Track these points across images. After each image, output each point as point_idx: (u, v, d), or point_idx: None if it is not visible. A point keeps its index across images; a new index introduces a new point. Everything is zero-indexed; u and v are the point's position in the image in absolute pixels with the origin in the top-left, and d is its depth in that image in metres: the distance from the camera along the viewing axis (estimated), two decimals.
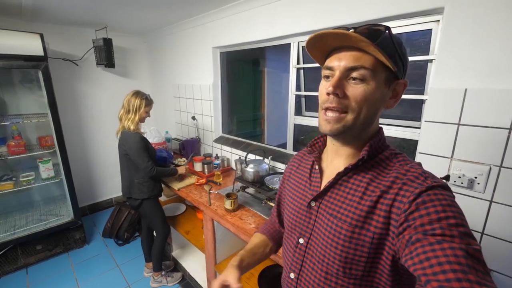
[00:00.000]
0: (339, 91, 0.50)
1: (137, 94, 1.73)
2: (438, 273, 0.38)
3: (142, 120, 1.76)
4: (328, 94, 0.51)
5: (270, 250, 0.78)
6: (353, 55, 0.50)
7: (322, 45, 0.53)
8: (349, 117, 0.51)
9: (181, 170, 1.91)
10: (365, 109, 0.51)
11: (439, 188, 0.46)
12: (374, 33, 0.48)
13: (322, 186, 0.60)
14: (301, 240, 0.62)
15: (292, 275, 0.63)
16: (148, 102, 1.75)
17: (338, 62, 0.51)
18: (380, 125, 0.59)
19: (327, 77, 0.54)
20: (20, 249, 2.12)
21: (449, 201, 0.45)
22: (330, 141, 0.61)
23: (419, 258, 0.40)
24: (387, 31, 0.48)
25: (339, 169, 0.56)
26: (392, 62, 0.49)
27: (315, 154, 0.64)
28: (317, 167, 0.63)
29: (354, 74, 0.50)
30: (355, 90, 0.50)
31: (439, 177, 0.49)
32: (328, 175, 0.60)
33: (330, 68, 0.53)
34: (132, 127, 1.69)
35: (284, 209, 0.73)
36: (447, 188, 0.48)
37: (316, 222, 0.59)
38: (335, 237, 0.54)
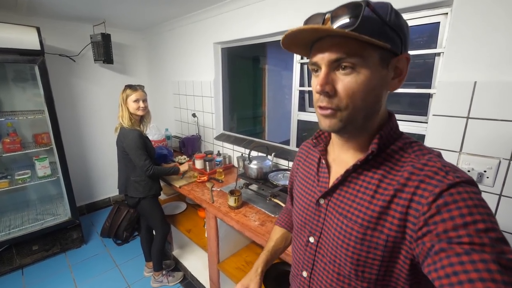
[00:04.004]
0: (328, 88, 0.45)
1: (124, 86, 1.66)
2: None
3: (134, 111, 1.63)
4: (318, 92, 0.47)
5: (290, 241, 0.79)
6: (335, 43, 0.44)
7: (301, 39, 0.48)
8: (344, 113, 0.46)
9: (184, 167, 1.84)
10: (360, 100, 0.45)
11: (463, 184, 0.40)
12: (354, 12, 0.42)
13: (331, 183, 0.56)
14: (311, 239, 0.59)
15: (304, 274, 0.61)
16: (132, 90, 1.61)
17: (321, 55, 0.46)
18: (389, 111, 0.53)
19: (315, 71, 0.49)
20: (15, 249, 2.06)
21: (476, 201, 0.38)
22: (334, 135, 0.57)
23: (445, 272, 0.36)
24: (367, 7, 0.41)
25: (347, 164, 0.52)
26: (383, 38, 0.43)
27: (320, 147, 0.60)
28: (324, 161, 0.59)
29: (342, 64, 0.45)
30: (345, 82, 0.45)
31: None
32: (336, 171, 0.56)
33: (314, 64, 0.48)
34: (126, 122, 1.61)
35: (293, 204, 0.71)
36: (472, 183, 0.41)
37: (325, 220, 0.55)
38: (346, 238, 0.50)
